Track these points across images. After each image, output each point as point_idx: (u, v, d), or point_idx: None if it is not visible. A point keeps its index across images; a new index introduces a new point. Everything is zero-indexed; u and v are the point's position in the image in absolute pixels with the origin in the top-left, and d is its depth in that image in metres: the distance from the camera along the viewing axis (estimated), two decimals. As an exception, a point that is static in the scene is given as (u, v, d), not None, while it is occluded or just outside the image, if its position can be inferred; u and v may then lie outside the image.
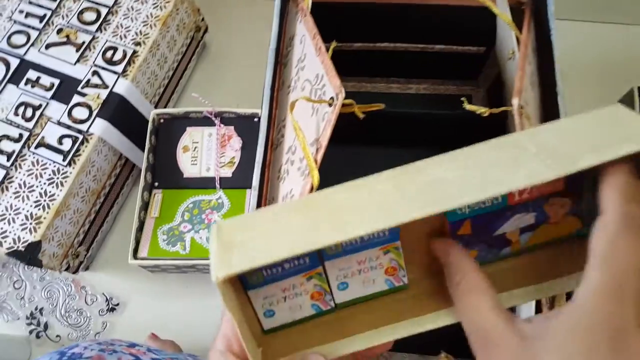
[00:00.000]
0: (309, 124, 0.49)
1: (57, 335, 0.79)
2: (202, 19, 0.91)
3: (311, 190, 0.43)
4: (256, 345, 0.28)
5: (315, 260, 0.28)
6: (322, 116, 0.47)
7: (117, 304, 0.80)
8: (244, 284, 0.28)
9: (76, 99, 0.72)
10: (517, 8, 0.62)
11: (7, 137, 0.70)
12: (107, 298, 0.80)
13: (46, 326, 0.79)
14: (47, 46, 0.75)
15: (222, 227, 0.25)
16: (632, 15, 0.93)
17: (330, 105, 0.45)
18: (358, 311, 0.29)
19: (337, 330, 0.28)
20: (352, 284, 0.29)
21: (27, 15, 0.77)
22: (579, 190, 0.27)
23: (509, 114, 0.57)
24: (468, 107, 0.47)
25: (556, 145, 0.24)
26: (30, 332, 0.79)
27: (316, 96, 0.49)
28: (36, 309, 0.81)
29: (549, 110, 0.53)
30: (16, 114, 0.71)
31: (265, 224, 0.25)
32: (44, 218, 0.66)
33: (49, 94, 0.72)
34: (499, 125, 0.66)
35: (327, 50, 0.52)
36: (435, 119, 0.65)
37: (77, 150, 0.69)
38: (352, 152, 0.69)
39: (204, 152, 0.74)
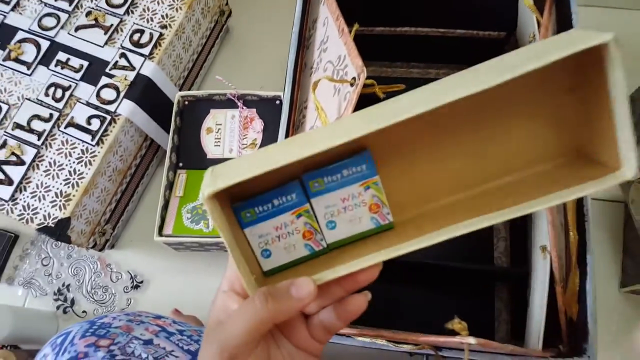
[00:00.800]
0: (331, 104, 0.50)
1: (84, 311, 0.82)
2: (227, 3, 0.92)
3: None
4: (248, 267, 0.29)
5: (301, 197, 0.30)
6: (344, 96, 0.48)
7: (142, 282, 0.82)
8: (240, 224, 0.30)
9: (104, 80, 0.74)
10: (539, -8, 0.62)
11: (38, 117, 0.72)
12: (131, 275, 0.83)
13: (73, 302, 0.82)
14: (77, 28, 0.77)
15: (214, 168, 0.28)
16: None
17: (352, 85, 0.46)
18: (348, 249, 0.31)
19: (328, 265, 0.30)
20: (340, 222, 0.31)
21: (57, -2, 0.79)
22: None
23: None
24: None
25: (507, 61, 0.26)
26: (58, 307, 0.82)
27: (338, 76, 0.50)
28: (63, 285, 0.84)
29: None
30: (47, 94, 0.73)
31: (247, 157, 0.28)
32: (73, 196, 0.69)
33: (78, 75, 0.74)
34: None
35: (351, 32, 0.53)
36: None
37: (105, 130, 0.71)
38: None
39: (227, 134, 0.76)
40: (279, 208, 0.30)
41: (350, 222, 0.31)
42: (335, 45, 0.53)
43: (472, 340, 0.32)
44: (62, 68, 0.75)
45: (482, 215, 0.28)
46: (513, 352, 0.37)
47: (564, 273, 0.48)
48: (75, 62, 0.75)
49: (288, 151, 0.26)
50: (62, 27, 0.77)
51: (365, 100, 0.49)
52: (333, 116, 0.49)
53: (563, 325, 0.48)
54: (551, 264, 0.46)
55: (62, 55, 0.75)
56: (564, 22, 0.57)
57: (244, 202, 0.30)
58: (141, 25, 0.77)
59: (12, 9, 0.79)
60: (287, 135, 0.58)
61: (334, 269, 0.29)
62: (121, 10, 0.77)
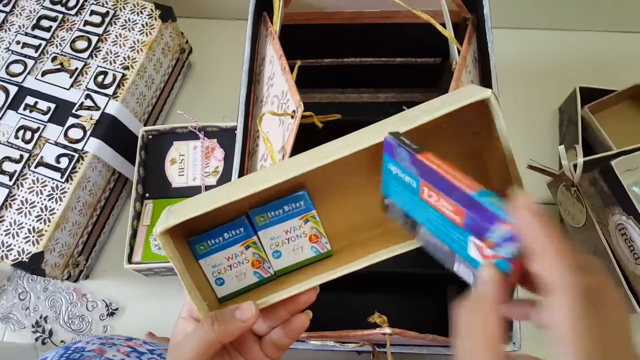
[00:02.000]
0: (277, 134, 0.56)
1: (62, 341, 0.85)
2: (187, 42, 0.98)
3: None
4: (199, 294, 0.34)
5: (249, 230, 0.35)
6: (287, 127, 0.54)
7: (117, 309, 0.86)
8: (195, 255, 0.35)
9: (71, 120, 0.78)
10: (463, 23, 0.70)
11: (9, 159, 0.77)
12: (106, 304, 0.86)
13: (51, 333, 0.86)
14: (43, 73, 0.82)
15: (169, 207, 0.34)
16: (574, 21, 1.01)
17: (292, 117, 0.52)
18: (293, 275, 0.36)
19: (275, 290, 0.35)
20: (284, 252, 0.36)
21: (24, 45, 0.84)
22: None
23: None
24: (409, 116, 0.54)
25: (411, 114, 0.31)
26: (36, 339, 0.85)
27: (282, 109, 0.56)
28: (41, 317, 0.87)
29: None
30: (16, 137, 0.78)
31: (198, 197, 0.34)
32: (45, 231, 0.73)
33: (46, 117, 0.79)
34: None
35: (294, 68, 0.59)
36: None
37: (74, 167, 0.76)
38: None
39: (190, 164, 0.81)
40: (229, 241, 0.35)
41: (294, 251, 0.36)
42: (279, 82, 0.59)
43: (388, 330, 0.38)
44: (31, 111, 0.79)
45: (406, 241, 0.33)
46: (433, 340, 0.42)
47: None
48: (42, 105, 0.80)
49: (232, 192, 0.31)
50: (29, 73, 0.82)
51: (306, 129, 0.55)
52: (278, 144, 0.55)
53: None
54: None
55: (30, 99, 0.80)
56: (484, 50, 0.64)
57: (198, 236, 0.35)
58: (104, 68, 0.82)
59: (-20, 58, 0.84)
60: (242, 162, 0.63)
61: (277, 294, 0.34)
62: (85, 55, 0.83)
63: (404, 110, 0.58)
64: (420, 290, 0.79)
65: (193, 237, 0.35)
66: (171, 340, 0.37)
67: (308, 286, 0.33)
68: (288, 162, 0.33)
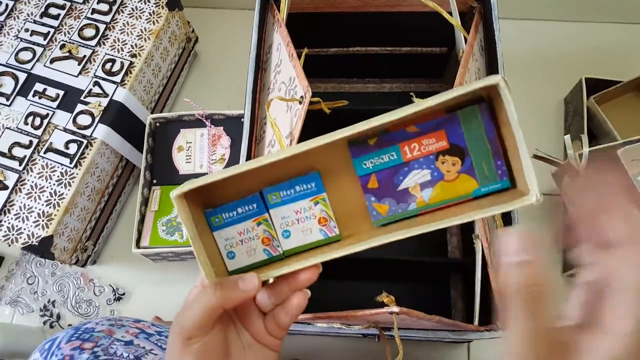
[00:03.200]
0: (284, 120, 0.57)
1: (69, 325, 0.86)
2: (193, 30, 0.99)
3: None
4: (209, 260, 0.35)
5: (261, 207, 0.36)
6: (295, 113, 0.54)
7: (123, 294, 0.87)
8: (210, 227, 0.36)
9: (80, 107, 0.79)
10: (469, 12, 0.70)
11: (19, 144, 0.77)
12: (113, 288, 0.87)
13: (59, 317, 0.87)
14: (52, 61, 0.83)
15: (190, 180, 0.34)
16: (580, 12, 1.01)
17: (300, 103, 0.52)
18: (300, 257, 0.37)
19: (279, 267, 0.36)
20: (293, 232, 0.37)
21: (33, 33, 0.85)
22: (465, 151, 0.34)
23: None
24: (416, 100, 0.54)
25: (420, 101, 0.33)
26: (44, 322, 0.87)
27: (289, 96, 0.56)
28: (49, 301, 0.88)
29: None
30: (26, 123, 0.79)
31: (215, 172, 0.35)
32: (55, 215, 0.74)
33: (55, 104, 0.80)
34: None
35: (301, 56, 0.60)
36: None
37: (82, 153, 0.76)
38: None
39: (197, 151, 0.82)
40: (242, 215, 0.36)
41: (302, 232, 0.37)
42: (287, 68, 0.59)
43: (396, 309, 0.39)
44: (40, 98, 0.80)
45: (411, 228, 0.34)
46: (439, 322, 0.43)
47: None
48: (51, 91, 0.80)
49: (244, 165, 0.33)
50: (38, 60, 0.83)
51: (313, 116, 0.56)
52: (286, 130, 0.56)
53: (498, 304, 0.54)
54: (482, 249, 0.53)
55: (39, 86, 0.81)
56: (490, 39, 0.64)
57: (214, 208, 0.36)
58: (112, 55, 0.83)
59: (-10, 45, 0.84)
60: (249, 149, 0.64)
61: (280, 269, 0.35)
62: (93, 42, 0.83)
63: (412, 97, 0.59)
64: (423, 278, 0.80)
65: (209, 209, 0.36)
66: (182, 306, 0.38)
67: (309, 263, 0.34)
68: (300, 144, 0.34)
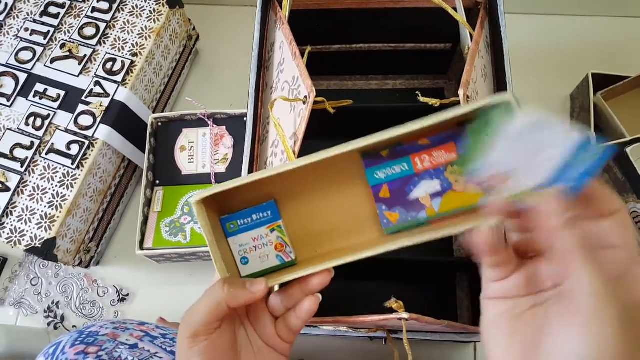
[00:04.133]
0: (288, 120, 0.56)
1: (74, 326, 0.86)
2: (194, 28, 0.98)
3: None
4: (222, 259, 0.36)
5: (275, 214, 0.38)
6: (299, 113, 0.53)
7: (127, 295, 0.87)
8: (225, 233, 0.37)
9: (81, 107, 0.78)
10: (475, 8, 0.69)
11: (20, 145, 0.77)
12: (117, 289, 0.87)
13: (63, 318, 0.87)
14: (52, 60, 0.82)
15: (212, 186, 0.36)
16: (586, 6, 0.99)
17: (304, 103, 0.52)
18: (312, 262, 0.37)
19: (291, 273, 0.36)
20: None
21: (32, 32, 0.84)
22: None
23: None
24: (422, 99, 0.54)
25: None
26: (49, 324, 0.86)
27: (293, 95, 0.56)
28: (53, 302, 0.88)
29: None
30: (27, 123, 0.78)
31: (232, 180, 0.36)
32: (57, 217, 0.73)
33: (56, 104, 0.79)
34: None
35: (304, 54, 0.59)
36: (396, 110, 0.72)
37: (84, 154, 0.76)
38: (328, 145, 0.76)
39: (200, 151, 0.81)
40: (256, 222, 0.38)
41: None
42: (290, 67, 0.59)
43: (405, 315, 0.38)
44: (41, 98, 0.79)
45: (418, 235, 0.34)
46: (448, 326, 0.42)
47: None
48: (52, 92, 0.80)
49: (263, 172, 0.34)
50: (38, 60, 0.82)
51: (317, 116, 0.55)
52: (290, 130, 0.55)
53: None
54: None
55: (39, 87, 0.80)
56: (496, 35, 0.63)
57: (229, 215, 0.37)
58: (113, 54, 0.82)
59: (-10, 45, 0.84)
60: (252, 149, 0.63)
61: (290, 274, 0.36)
62: (93, 41, 0.83)
63: (418, 96, 0.58)
64: (429, 277, 0.79)
65: (225, 216, 0.38)
66: None
67: (321, 268, 0.35)
68: (315, 154, 0.35)
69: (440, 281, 0.79)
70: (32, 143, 0.77)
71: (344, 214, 0.37)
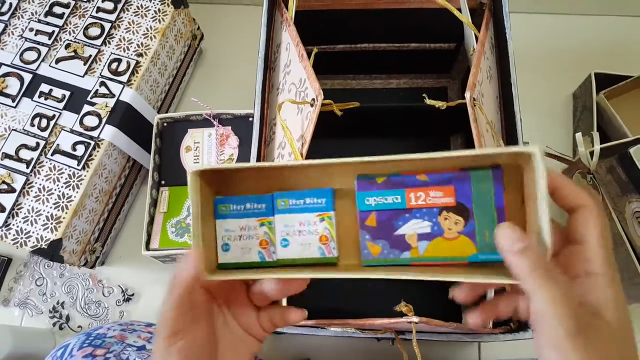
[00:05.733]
0: (295, 122, 0.56)
1: (79, 326, 0.86)
2: (198, 28, 0.98)
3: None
4: (202, 241, 0.35)
5: (270, 209, 0.36)
6: (306, 115, 0.54)
7: (132, 294, 0.87)
8: (215, 214, 0.36)
9: (86, 108, 0.79)
10: (479, 8, 0.69)
11: (26, 146, 0.77)
12: (122, 289, 0.87)
13: (68, 318, 0.87)
14: (57, 61, 0.82)
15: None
16: (589, 5, 0.99)
17: (311, 105, 0.52)
18: (292, 270, 0.36)
19: (267, 273, 0.35)
20: (292, 243, 0.36)
21: (37, 32, 0.84)
22: (470, 213, 0.33)
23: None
24: (428, 101, 0.54)
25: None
26: (54, 324, 0.87)
27: (300, 98, 0.56)
28: (58, 303, 0.88)
29: (507, 99, 0.60)
30: (32, 124, 0.78)
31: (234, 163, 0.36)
32: (63, 218, 0.73)
33: (62, 104, 0.79)
34: (461, 113, 0.73)
35: (310, 54, 0.59)
36: (404, 111, 0.72)
37: (90, 155, 0.76)
38: (334, 144, 0.76)
39: (205, 151, 0.82)
40: (248, 211, 0.36)
41: (301, 245, 0.36)
42: (297, 69, 0.59)
43: (415, 319, 0.38)
44: (46, 99, 0.79)
45: (396, 271, 0.33)
46: (457, 328, 0.43)
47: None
48: (57, 92, 0.80)
49: (264, 163, 0.33)
50: (43, 60, 0.82)
51: (327, 117, 0.55)
52: (297, 133, 0.55)
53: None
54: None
55: (44, 87, 0.80)
56: (500, 36, 0.64)
57: (224, 197, 0.36)
58: (118, 55, 0.82)
59: (-6, 45, 0.84)
60: (259, 150, 0.63)
61: (269, 274, 0.34)
62: (98, 42, 0.83)
63: (425, 98, 0.58)
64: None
65: (220, 197, 0.36)
66: None
67: (299, 276, 0.33)
68: (319, 160, 0.34)
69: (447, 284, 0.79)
70: (38, 144, 0.77)
71: (340, 229, 0.36)
